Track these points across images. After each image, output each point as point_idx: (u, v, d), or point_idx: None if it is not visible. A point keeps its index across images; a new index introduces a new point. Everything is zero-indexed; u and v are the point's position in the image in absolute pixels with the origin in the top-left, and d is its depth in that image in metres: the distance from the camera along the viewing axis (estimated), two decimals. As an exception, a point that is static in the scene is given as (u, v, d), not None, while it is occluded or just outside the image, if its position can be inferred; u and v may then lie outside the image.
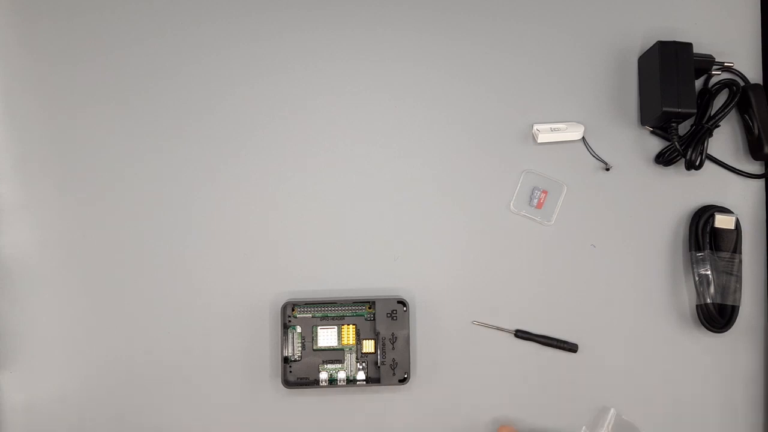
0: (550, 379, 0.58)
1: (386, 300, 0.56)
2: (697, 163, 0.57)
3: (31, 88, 0.58)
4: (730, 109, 0.58)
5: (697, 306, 0.57)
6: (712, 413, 0.58)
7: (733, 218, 0.57)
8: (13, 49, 0.58)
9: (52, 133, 0.57)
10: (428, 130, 0.59)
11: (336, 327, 0.56)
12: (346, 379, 0.56)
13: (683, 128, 0.59)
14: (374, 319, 0.56)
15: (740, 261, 0.57)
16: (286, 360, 0.56)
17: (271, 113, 0.58)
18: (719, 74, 0.60)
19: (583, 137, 0.59)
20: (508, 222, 0.59)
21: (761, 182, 0.60)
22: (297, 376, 0.56)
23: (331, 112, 0.59)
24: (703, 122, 0.58)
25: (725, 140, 0.60)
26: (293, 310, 0.56)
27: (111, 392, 0.56)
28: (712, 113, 0.58)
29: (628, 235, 0.59)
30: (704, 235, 0.57)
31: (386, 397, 0.57)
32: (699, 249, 0.57)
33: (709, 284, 0.57)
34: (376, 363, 0.56)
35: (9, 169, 0.57)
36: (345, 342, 0.56)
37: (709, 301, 0.57)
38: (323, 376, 0.56)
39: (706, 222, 0.57)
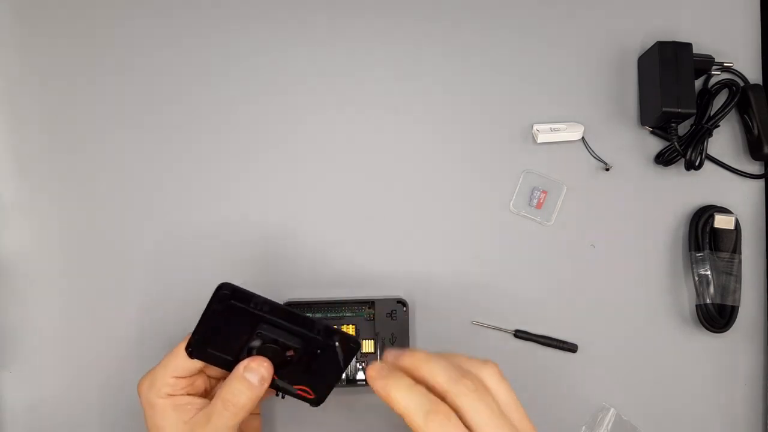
0: (550, 379, 0.58)
1: (386, 300, 0.56)
2: (697, 163, 0.57)
3: (32, 88, 0.58)
4: (730, 110, 0.58)
5: (696, 306, 0.58)
6: (712, 413, 0.58)
7: (733, 218, 0.57)
8: (14, 48, 0.58)
9: (53, 132, 0.58)
10: (428, 129, 0.59)
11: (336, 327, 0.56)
12: (346, 379, 0.56)
13: (683, 128, 0.59)
14: (374, 320, 0.56)
15: (740, 261, 0.57)
16: (286, 360, 0.56)
17: (272, 114, 0.58)
18: (719, 74, 0.60)
19: (583, 137, 0.59)
20: (508, 222, 0.59)
21: (761, 182, 0.60)
22: (297, 376, 0.56)
23: (330, 112, 0.59)
24: (703, 122, 0.58)
25: (725, 140, 0.60)
26: (293, 310, 0.56)
27: (111, 392, 0.56)
28: (712, 113, 0.58)
29: (628, 235, 0.59)
30: (704, 236, 0.57)
31: (386, 397, 0.57)
32: (699, 249, 0.57)
33: (708, 284, 0.57)
34: (376, 363, 0.56)
35: (9, 169, 0.57)
36: (345, 342, 0.56)
37: (708, 301, 0.57)
38: (323, 376, 0.56)
39: (706, 222, 0.57)
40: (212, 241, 0.57)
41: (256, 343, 0.45)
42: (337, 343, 0.45)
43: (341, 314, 0.57)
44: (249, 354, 0.46)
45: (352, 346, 0.46)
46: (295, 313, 0.45)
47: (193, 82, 0.58)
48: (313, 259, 0.58)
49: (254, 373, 0.44)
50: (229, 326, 0.45)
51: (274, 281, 0.57)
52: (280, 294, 0.57)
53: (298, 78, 0.59)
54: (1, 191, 0.57)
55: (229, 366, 0.46)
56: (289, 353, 0.46)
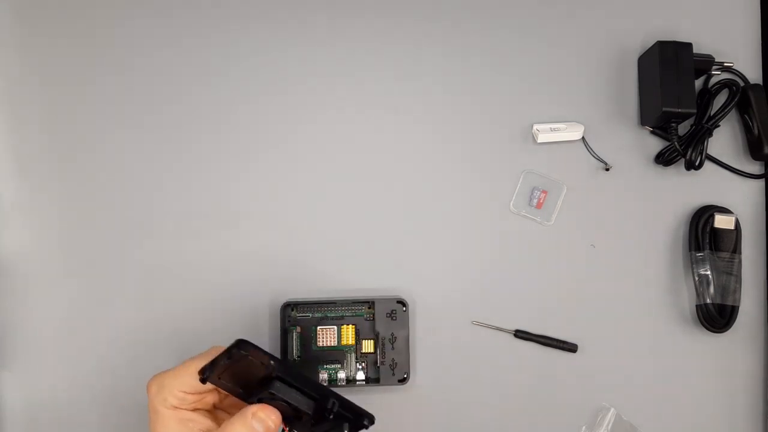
0: (550, 379, 0.58)
1: (386, 300, 0.56)
2: (697, 163, 0.57)
3: (32, 88, 0.58)
4: (730, 109, 0.58)
5: (696, 306, 0.58)
6: (712, 413, 0.58)
7: (733, 218, 0.57)
8: (14, 48, 0.58)
9: (53, 132, 0.57)
10: (428, 129, 0.59)
11: (336, 327, 0.56)
12: (346, 379, 0.56)
13: (683, 128, 0.59)
14: (374, 319, 0.56)
15: (740, 261, 0.57)
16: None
17: (272, 114, 0.58)
18: (719, 74, 0.60)
19: (583, 137, 0.59)
20: (508, 222, 0.59)
21: (761, 182, 0.60)
22: (297, 376, 0.56)
23: (330, 112, 0.59)
24: (703, 122, 0.58)
25: (725, 140, 0.60)
26: (293, 310, 0.56)
27: (112, 392, 0.56)
28: (712, 113, 0.58)
29: (628, 235, 0.59)
30: (704, 235, 0.57)
31: (386, 397, 0.57)
32: (699, 249, 0.57)
33: (708, 284, 0.57)
34: (376, 363, 0.56)
35: (9, 169, 0.57)
36: (344, 342, 0.56)
37: (708, 301, 0.57)
38: (323, 376, 0.56)
39: (706, 222, 0.57)
40: (212, 241, 0.57)
41: (268, 395, 0.44)
42: (346, 430, 0.44)
43: (341, 314, 0.57)
44: (261, 400, 0.44)
45: (364, 424, 0.44)
46: (311, 380, 0.44)
47: (193, 82, 0.58)
48: (313, 258, 0.58)
49: (261, 424, 0.43)
50: (245, 373, 0.43)
51: (274, 281, 0.57)
52: (280, 294, 0.57)
53: (298, 78, 0.59)
54: (1, 191, 0.57)
55: (240, 397, 0.44)
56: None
